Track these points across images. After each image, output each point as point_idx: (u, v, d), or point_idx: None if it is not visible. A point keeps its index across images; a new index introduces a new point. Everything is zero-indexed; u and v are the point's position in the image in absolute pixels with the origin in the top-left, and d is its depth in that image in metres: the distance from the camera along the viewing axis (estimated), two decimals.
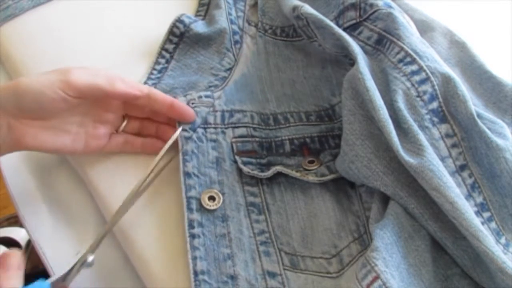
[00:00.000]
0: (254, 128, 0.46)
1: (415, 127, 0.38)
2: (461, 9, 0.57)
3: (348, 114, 0.40)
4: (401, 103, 0.39)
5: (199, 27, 0.52)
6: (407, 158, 0.36)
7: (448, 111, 0.39)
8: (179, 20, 0.52)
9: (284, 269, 0.39)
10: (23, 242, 0.93)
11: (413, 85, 0.40)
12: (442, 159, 0.38)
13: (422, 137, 0.37)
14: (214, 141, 0.44)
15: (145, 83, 0.49)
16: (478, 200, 0.38)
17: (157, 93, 0.43)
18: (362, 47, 0.44)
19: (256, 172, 0.42)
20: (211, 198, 0.41)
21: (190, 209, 0.40)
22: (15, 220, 1.00)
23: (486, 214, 0.37)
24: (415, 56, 0.41)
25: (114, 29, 0.55)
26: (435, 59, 0.41)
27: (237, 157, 0.43)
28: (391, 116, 0.38)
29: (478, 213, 0.37)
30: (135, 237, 0.40)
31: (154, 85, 0.48)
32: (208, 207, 0.40)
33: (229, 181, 0.42)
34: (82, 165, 0.45)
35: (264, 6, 0.55)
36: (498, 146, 0.37)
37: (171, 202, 0.42)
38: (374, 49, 0.44)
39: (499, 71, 0.46)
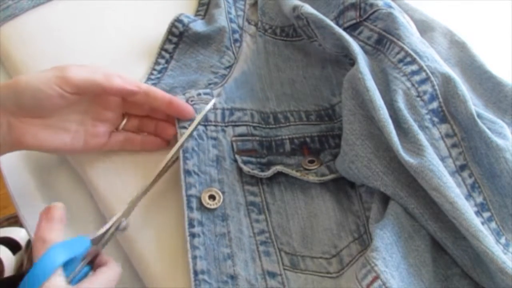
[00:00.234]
0: (254, 127, 0.46)
1: (415, 127, 0.38)
2: (461, 9, 0.57)
3: (348, 114, 0.40)
4: (401, 103, 0.39)
5: (198, 26, 0.52)
6: (407, 158, 0.36)
7: (448, 111, 0.39)
8: (178, 20, 0.52)
9: (284, 269, 0.39)
10: (23, 242, 0.93)
11: (413, 85, 0.40)
12: (442, 159, 0.38)
13: (422, 137, 0.37)
14: (215, 139, 0.44)
15: (145, 83, 0.49)
16: (478, 200, 0.38)
17: (156, 91, 0.43)
18: (362, 47, 0.44)
19: (256, 172, 0.42)
20: (211, 197, 0.41)
21: (190, 208, 0.40)
22: (15, 220, 1.00)
23: (486, 214, 0.37)
24: (415, 56, 0.41)
25: (114, 29, 0.55)
26: (435, 59, 0.41)
27: (237, 156, 0.43)
28: (391, 116, 0.38)
29: (478, 213, 0.37)
30: (135, 237, 0.40)
31: (154, 85, 0.48)
32: (208, 206, 0.40)
33: (229, 180, 0.42)
34: (82, 164, 0.45)
35: (264, 5, 0.55)
36: (498, 146, 0.37)
37: (170, 201, 0.42)
38: (374, 49, 0.44)
39: (499, 71, 0.46)
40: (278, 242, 0.40)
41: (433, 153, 0.36)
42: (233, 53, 0.51)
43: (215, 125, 0.45)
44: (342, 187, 0.43)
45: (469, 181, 0.38)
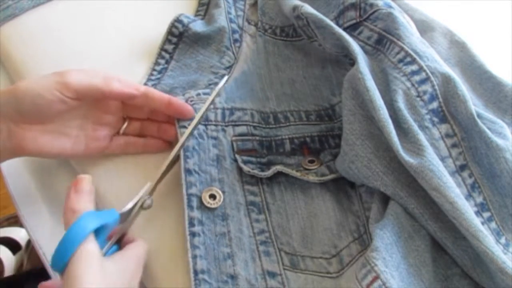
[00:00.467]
0: (254, 127, 0.46)
1: (415, 127, 0.38)
2: (461, 9, 0.57)
3: (348, 114, 0.40)
4: (401, 103, 0.39)
5: (198, 26, 0.52)
6: (407, 158, 0.36)
7: (448, 111, 0.39)
8: (177, 20, 0.52)
9: (284, 269, 0.39)
10: (23, 242, 0.93)
11: (413, 85, 0.40)
12: (442, 159, 0.38)
13: (422, 137, 0.37)
14: (215, 138, 0.44)
15: (145, 84, 0.49)
16: (478, 200, 0.38)
17: (154, 92, 0.43)
18: (362, 47, 0.44)
19: (256, 172, 0.42)
20: (212, 196, 0.41)
21: (190, 207, 0.40)
22: (15, 220, 1.00)
23: (486, 214, 0.37)
24: (415, 56, 0.41)
25: (114, 29, 0.55)
26: (435, 59, 0.41)
27: (237, 156, 0.43)
28: (391, 116, 0.38)
29: (478, 213, 0.37)
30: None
31: (154, 85, 0.48)
32: (209, 205, 0.40)
33: (229, 180, 0.42)
34: (82, 165, 0.45)
35: (264, 5, 0.55)
36: (498, 146, 0.37)
37: (170, 201, 0.42)
38: (374, 49, 0.44)
39: (499, 71, 0.46)
40: (278, 242, 0.40)
41: (433, 153, 0.36)
42: (233, 53, 0.51)
43: (215, 125, 0.45)
44: (342, 187, 0.43)
45: (469, 181, 0.38)
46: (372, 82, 0.39)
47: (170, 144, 0.45)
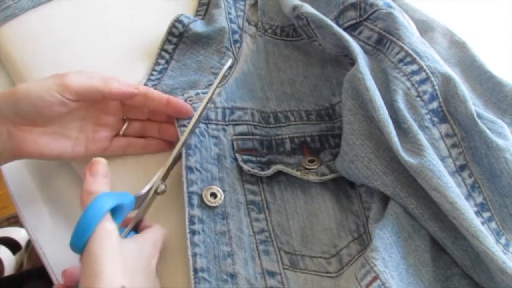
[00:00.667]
0: (254, 126, 0.46)
1: (415, 127, 0.38)
2: (461, 9, 0.57)
3: (348, 114, 0.40)
4: (401, 103, 0.39)
5: (198, 26, 0.52)
6: (407, 158, 0.36)
7: (448, 111, 0.39)
8: (177, 20, 0.52)
9: (284, 268, 0.39)
10: (23, 242, 0.93)
11: (413, 85, 0.40)
12: (442, 159, 0.38)
13: (422, 137, 0.37)
14: (216, 137, 0.44)
15: (145, 84, 0.49)
16: (478, 200, 0.38)
17: (153, 92, 0.43)
18: (362, 47, 0.44)
19: (256, 171, 0.42)
20: (213, 195, 0.41)
21: (191, 205, 0.40)
22: (15, 220, 1.00)
23: (486, 214, 0.37)
24: (415, 56, 0.41)
25: (114, 29, 0.55)
26: (435, 59, 0.41)
27: (237, 155, 0.43)
28: (391, 116, 0.38)
29: (478, 213, 0.37)
30: None
31: (154, 86, 0.48)
32: (209, 203, 0.40)
33: (230, 179, 0.42)
34: (82, 165, 0.45)
35: (264, 5, 0.55)
36: (498, 146, 0.37)
37: (170, 200, 0.42)
38: (374, 49, 0.44)
39: (499, 71, 0.46)
40: (278, 241, 0.40)
41: (433, 153, 0.36)
42: (233, 53, 0.51)
43: (215, 124, 0.45)
44: (342, 187, 0.43)
45: (469, 181, 0.38)
46: (372, 82, 0.39)
47: (171, 144, 0.45)
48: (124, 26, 0.55)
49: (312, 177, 0.42)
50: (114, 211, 0.34)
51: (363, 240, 0.40)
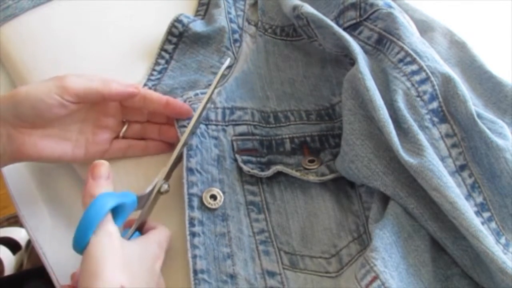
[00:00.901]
0: (254, 126, 0.46)
1: (415, 127, 0.38)
2: (461, 9, 0.57)
3: (348, 114, 0.40)
4: (401, 103, 0.39)
5: (198, 26, 0.52)
6: (407, 158, 0.36)
7: (448, 111, 0.39)
8: (177, 20, 0.52)
9: (284, 268, 0.39)
10: (23, 242, 0.93)
11: (413, 85, 0.40)
12: (442, 159, 0.38)
13: (422, 137, 0.37)
14: (216, 138, 0.44)
15: (145, 84, 0.49)
16: (478, 200, 0.38)
17: (152, 93, 0.43)
18: (362, 47, 0.44)
19: (256, 171, 0.42)
20: (213, 197, 0.41)
21: (191, 207, 0.40)
22: (15, 220, 1.00)
23: (486, 214, 0.37)
24: (415, 56, 0.41)
25: (114, 29, 0.55)
26: (435, 59, 0.41)
27: (237, 156, 0.43)
28: (391, 116, 0.38)
29: (478, 213, 0.37)
30: None
31: (154, 86, 0.48)
32: (209, 205, 0.40)
33: (230, 180, 0.42)
34: (83, 165, 0.45)
35: (264, 5, 0.55)
36: (498, 146, 0.37)
37: (170, 201, 0.42)
38: (374, 49, 0.44)
39: (499, 71, 0.46)
40: (278, 242, 0.40)
41: (433, 153, 0.36)
42: (233, 53, 0.51)
43: (215, 125, 0.45)
44: (342, 187, 0.43)
45: (469, 181, 0.38)
46: (372, 82, 0.39)
47: (171, 145, 0.45)
48: (124, 26, 0.55)
49: (312, 178, 0.42)
50: (116, 211, 0.34)
51: (363, 240, 0.40)
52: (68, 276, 0.38)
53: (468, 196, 0.38)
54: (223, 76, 0.49)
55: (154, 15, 0.56)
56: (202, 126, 0.44)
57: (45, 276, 0.45)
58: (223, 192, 0.41)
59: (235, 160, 0.43)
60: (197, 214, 0.40)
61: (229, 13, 0.54)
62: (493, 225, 0.37)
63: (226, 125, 0.45)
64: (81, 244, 0.32)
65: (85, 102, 0.41)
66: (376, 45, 0.44)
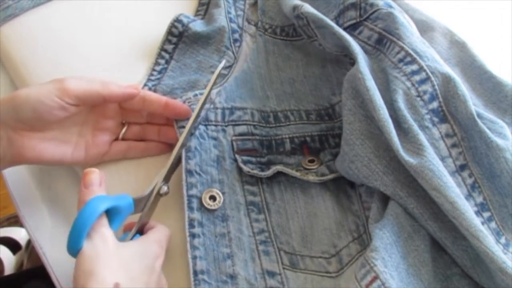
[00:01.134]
0: (254, 126, 0.45)
1: (415, 127, 0.38)
2: (461, 9, 0.57)
3: (348, 113, 0.40)
4: (401, 103, 0.39)
5: (198, 26, 0.52)
6: (407, 158, 0.36)
7: (448, 111, 0.39)
8: (177, 20, 0.52)
9: (284, 268, 0.39)
10: (23, 242, 0.93)
11: (413, 85, 0.40)
12: (442, 159, 0.38)
13: (422, 137, 0.37)
14: (215, 139, 0.44)
15: (145, 84, 0.49)
16: (478, 200, 0.38)
17: (152, 94, 0.43)
18: (362, 47, 0.44)
19: (256, 172, 0.42)
20: (212, 198, 0.41)
21: (190, 208, 0.40)
22: (15, 220, 1.00)
23: (486, 214, 0.37)
24: (415, 56, 0.41)
25: (114, 29, 0.55)
26: (435, 59, 0.41)
27: (237, 156, 0.43)
28: (391, 116, 0.38)
29: (478, 213, 0.37)
30: None
31: (154, 86, 0.48)
32: (209, 207, 0.40)
33: (229, 180, 0.42)
34: (82, 165, 0.45)
35: (264, 5, 0.55)
36: (498, 146, 0.37)
37: (170, 202, 0.42)
38: (374, 49, 0.44)
39: (499, 71, 0.46)
40: (278, 242, 0.40)
41: (433, 153, 0.36)
42: (233, 53, 0.51)
43: (215, 125, 0.45)
44: (342, 186, 0.43)
45: (469, 181, 0.38)
46: (372, 82, 0.39)
47: (171, 146, 0.45)
48: (124, 26, 0.55)
49: (312, 178, 0.42)
50: (111, 214, 0.34)
51: (363, 240, 0.40)
52: (68, 276, 0.38)
53: (468, 196, 0.38)
54: (223, 76, 0.49)
55: (154, 15, 0.56)
56: (201, 127, 0.44)
57: (45, 276, 0.45)
58: (223, 193, 0.41)
59: (235, 160, 0.43)
60: (196, 215, 0.40)
61: (229, 12, 0.54)
62: (493, 225, 0.37)
63: (226, 126, 0.45)
64: (75, 248, 0.32)
65: (85, 104, 0.41)
66: (376, 45, 0.44)
